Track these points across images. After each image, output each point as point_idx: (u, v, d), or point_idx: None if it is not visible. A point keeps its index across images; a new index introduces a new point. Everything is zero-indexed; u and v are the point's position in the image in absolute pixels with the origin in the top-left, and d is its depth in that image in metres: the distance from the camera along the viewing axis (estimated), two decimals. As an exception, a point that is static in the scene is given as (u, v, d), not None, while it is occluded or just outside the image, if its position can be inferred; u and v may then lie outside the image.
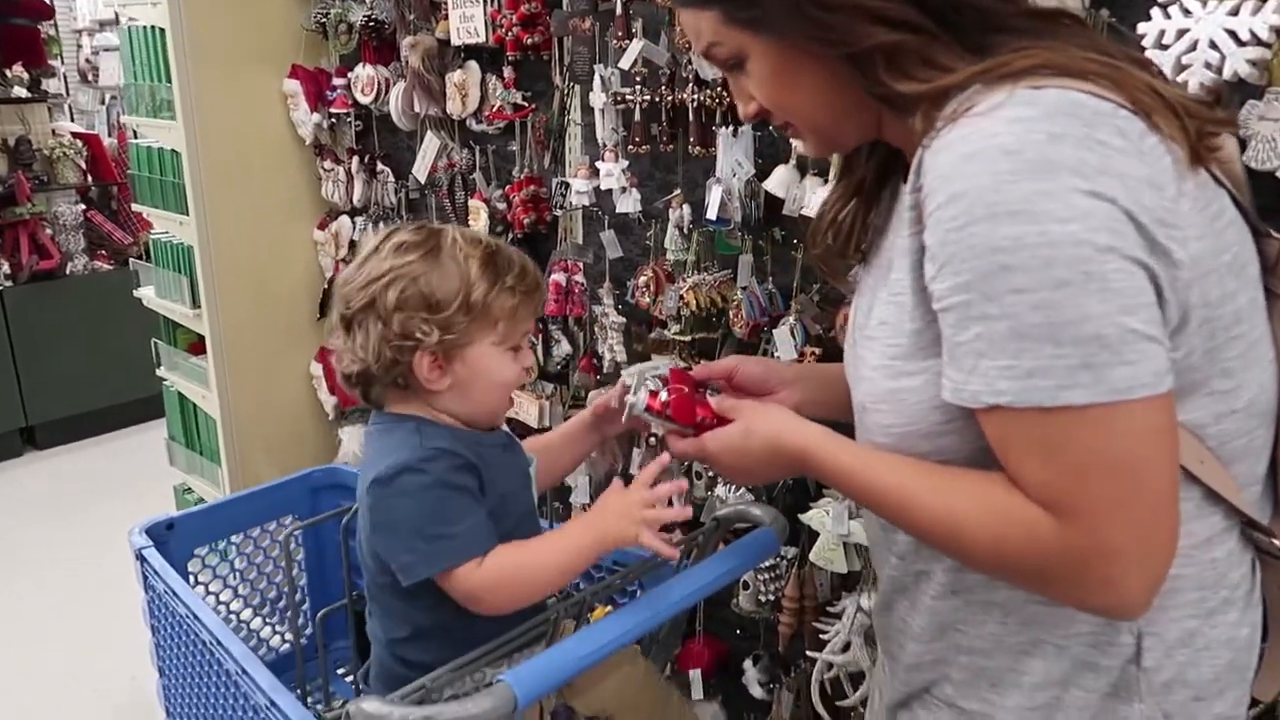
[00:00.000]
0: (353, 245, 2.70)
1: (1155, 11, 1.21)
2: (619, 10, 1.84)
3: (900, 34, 0.78)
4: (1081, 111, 0.70)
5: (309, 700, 1.67)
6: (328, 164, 2.71)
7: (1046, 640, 0.83)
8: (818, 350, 1.66)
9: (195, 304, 2.68)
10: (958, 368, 0.74)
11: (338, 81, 2.59)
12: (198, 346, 2.82)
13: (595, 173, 1.97)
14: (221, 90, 2.56)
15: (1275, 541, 0.85)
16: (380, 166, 2.60)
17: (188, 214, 2.59)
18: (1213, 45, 1.17)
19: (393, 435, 1.09)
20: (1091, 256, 0.67)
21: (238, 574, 1.73)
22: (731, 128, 1.74)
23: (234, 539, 1.70)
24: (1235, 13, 1.18)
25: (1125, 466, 0.70)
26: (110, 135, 5.00)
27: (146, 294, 2.98)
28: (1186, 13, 1.20)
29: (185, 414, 3.00)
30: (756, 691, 1.93)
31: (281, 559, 1.66)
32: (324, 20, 2.59)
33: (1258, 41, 1.16)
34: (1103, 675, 0.82)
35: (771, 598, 1.80)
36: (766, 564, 1.78)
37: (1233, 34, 1.17)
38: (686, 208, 1.84)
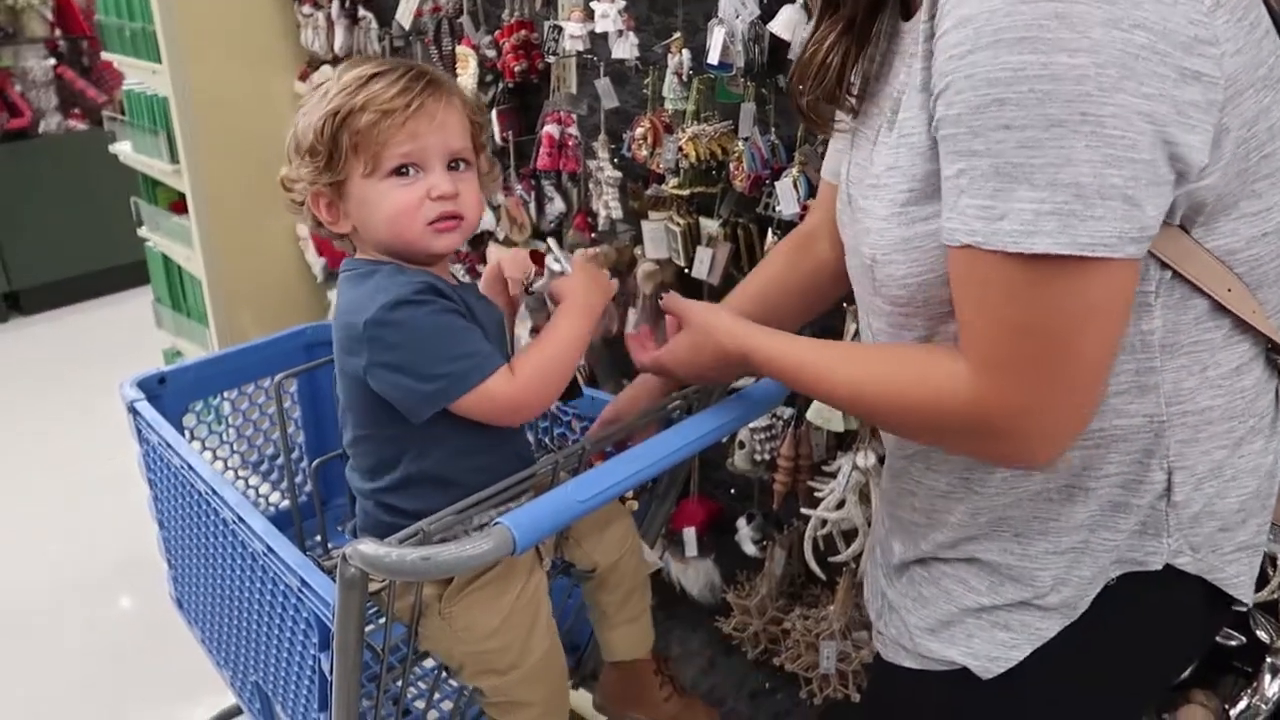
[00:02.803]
0: (336, 98, 2.58)
1: None
2: None
3: None
4: None
5: (308, 555, 1.68)
6: (306, 9, 2.57)
7: (1074, 485, 0.82)
8: (822, 203, 1.60)
9: (174, 159, 2.58)
10: (945, 204, 0.71)
11: (314, -81, 2.43)
12: (179, 205, 2.74)
13: (590, 15, 1.86)
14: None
15: None
16: (362, 11, 2.46)
17: (160, 62, 2.46)
18: None
19: (371, 278, 1.05)
20: (1091, 95, 0.62)
21: (234, 429, 1.72)
22: (736, -36, 1.63)
23: (228, 394, 1.68)
24: None
25: (1060, 331, 0.68)
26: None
27: (123, 150, 2.87)
28: None
29: (170, 276, 2.95)
30: (749, 549, 1.96)
31: (276, 414, 1.64)
32: None
33: None
34: (1132, 514, 0.82)
35: (767, 457, 1.80)
36: (762, 424, 1.77)
37: None
38: (686, 53, 1.74)
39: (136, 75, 2.68)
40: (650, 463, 1.04)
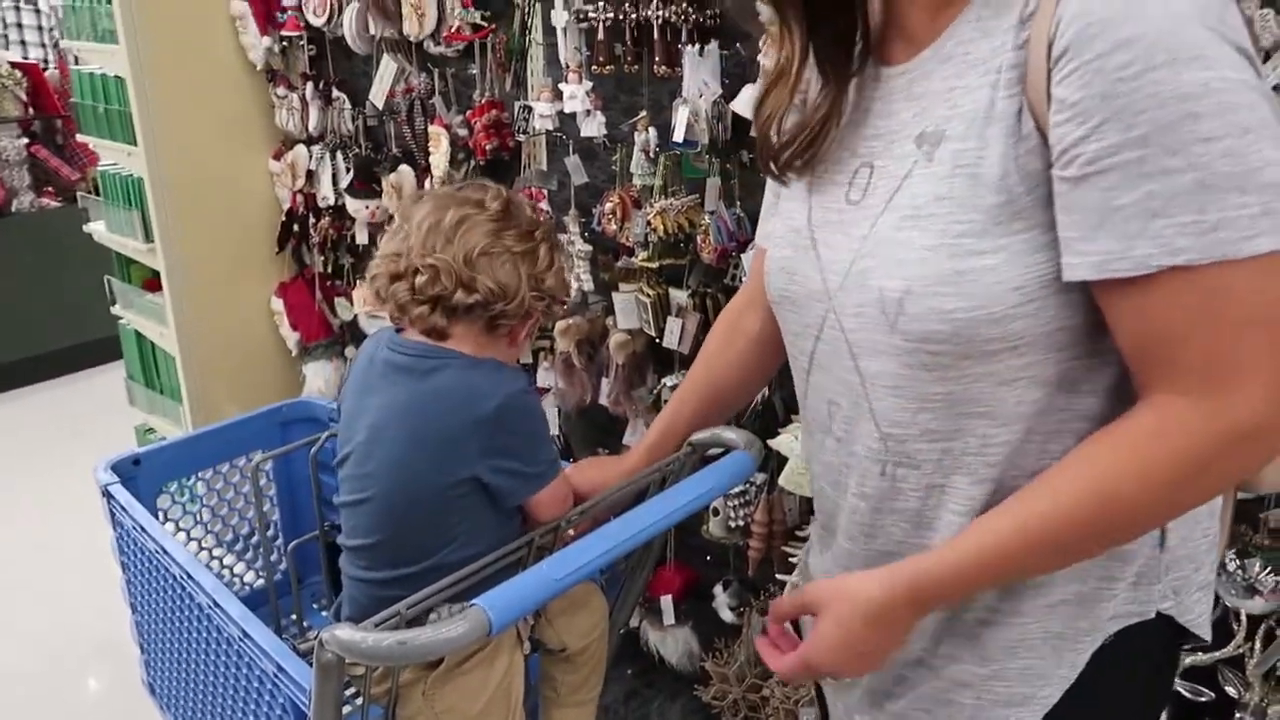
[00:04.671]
0: (310, 175, 2.63)
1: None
2: (580, -77, 1.78)
3: None
4: None
5: (284, 636, 1.67)
6: (281, 90, 2.63)
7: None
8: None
9: (148, 238, 2.60)
10: (1115, 234, 0.68)
11: (288, 2, 2.49)
12: (153, 283, 2.75)
13: (559, 95, 1.92)
14: (165, 12, 2.45)
15: None
16: (336, 92, 2.52)
17: (136, 144, 2.50)
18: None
19: (479, 369, 1.14)
20: (1260, 104, 0.66)
21: (208, 509, 1.71)
22: (698, 47, 1.70)
23: (203, 474, 1.68)
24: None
25: (1278, 313, 0.68)
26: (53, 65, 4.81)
27: (97, 229, 2.89)
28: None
29: (143, 353, 2.94)
30: (727, 616, 1.96)
31: (252, 494, 1.64)
32: (271, -63, 2.48)
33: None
34: (1130, 564, 0.82)
35: (741, 523, 1.82)
36: (736, 490, 1.79)
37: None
38: (653, 130, 1.80)
39: (111, 156, 2.71)
40: (626, 539, 1.05)
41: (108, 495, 1.47)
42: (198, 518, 1.70)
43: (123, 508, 1.43)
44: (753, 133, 1.55)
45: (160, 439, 2.87)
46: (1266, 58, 1.16)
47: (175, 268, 2.59)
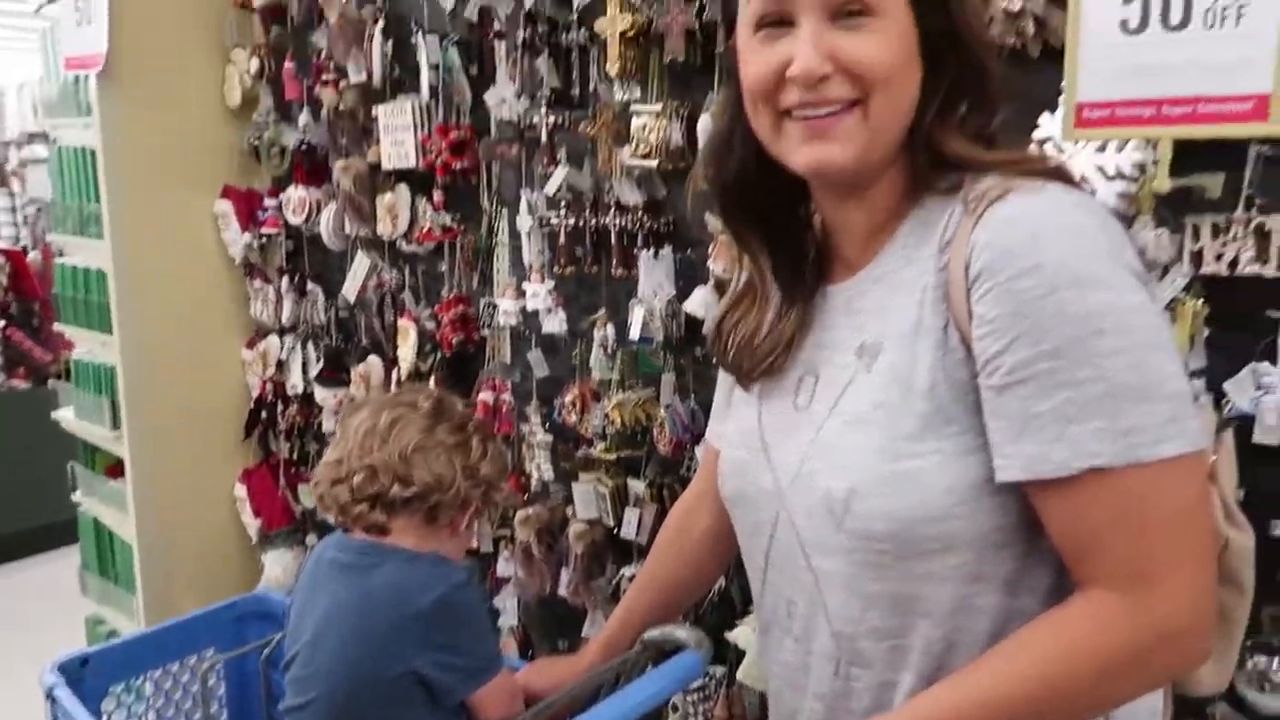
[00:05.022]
0: (280, 364, 2.69)
1: (1032, 148, 1.32)
2: (544, 138, 1.93)
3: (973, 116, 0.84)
4: (1102, 210, 0.79)
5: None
6: (257, 283, 2.73)
7: None
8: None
9: (115, 426, 2.63)
10: (1036, 438, 0.74)
11: (269, 202, 2.63)
12: (116, 470, 2.75)
13: (522, 293, 2.02)
14: (151, 210, 2.57)
15: None
16: (310, 285, 2.62)
17: (111, 333, 2.56)
18: (1083, 180, 1.27)
19: (419, 563, 1.17)
20: (1157, 324, 0.74)
21: (154, 712, 1.66)
22: (653, 250, 1.81)
23: (153, 673, 1.64)
24: (1102, 149, 1.29)
25: (1194, 515, 0.74)
26: (35, 247, 4.95)
27: (65, 416, 2.91)
28: (1060, 150, 1.30)
29: (100, 541, 2.90)
30: (691, 814, 1.89)
31: (200, 694, 1.60)
32: (258, 143, 2.64)
33: (1124, 176, 1.26)
34: None
35: (701, 718, 1.79)
36: (695, 684, 1.76)
37: (1101, 169, 1.28)
38: (610, 327, 1.89)
39: (86, 344, 2.77)
40: (579, 742, 1.05)
41: (51, 699, 1.43)
42: (142, 720, 1.65)
43: (67, 712, 1.39)
44: (704, 330, 1.65)
45: (110, 632, 2.80)
46: (1164, 273, 1.27)
47: (140, 455, 2.60)
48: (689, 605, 1.40)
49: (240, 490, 2.79)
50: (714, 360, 1.69)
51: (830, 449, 0.85)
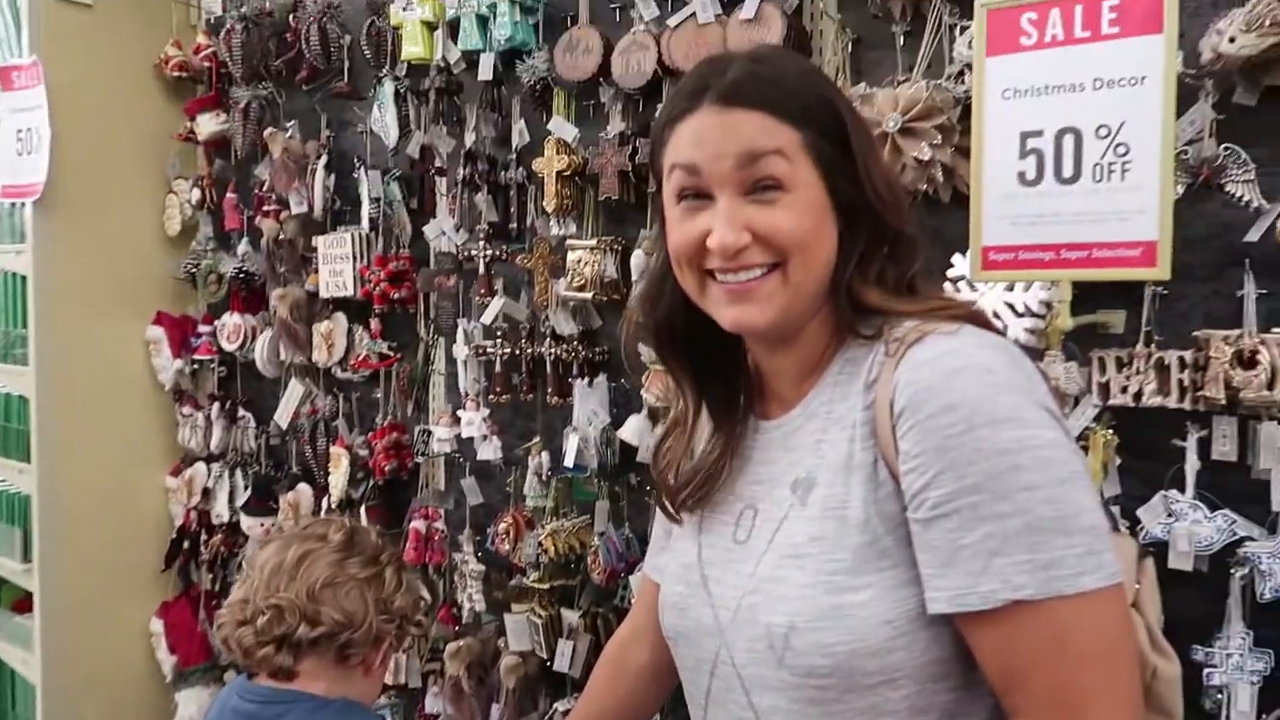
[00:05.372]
0: (206, 492, 2.62)
1: (949, 289, 1.39)
2: (481, 269, 1.97)
3: (890, 267, 0.87)
4: (1014, 349, 0.82)
5: None
6: (187, 409, 2.68)
7: None
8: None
9: (26, 558, 2.51)
10: (963, 571, 0.75)
11: (203, 328, 2.62)
12: (24, 604, 2.62)
13: (457, 420, 2.02)
14: (80, 336, 2.54)
15: None
16: (241, 412, 2.58)
17: (30, 461, 2.48)
18: (995, 315, 1.34)
19: (325, 711, 1.11)
20: (1071, 459, 0.76)
21: None
22: (587, 379, 1.84)
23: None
24: (1010, 288, 1.37)
25: (1117, 647, 0.75)
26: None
27: (-28, 547, 2.78)
28: (972, 288, 1.38)
29: (1, 680, 2.73)
30: None
31: None
32: (194, 270, 2.64)
33: (1031, 313, 1.34)
34: None
35: None
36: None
37: (1011, 307, 1.35)
38: (545, 455, 1.90)
39: (2, 472, 2.67)
40: None
41: None
42: None
43: None
44: (640, 458, 1.66)
45: (5, 781, 2.61)
46: (1075, 404, 1.33)
47: (51, 588, 2.49)
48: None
49: (157, 625, 2.66)
50: (651, 491, 1.72)
51: (769, 582, 0.86)
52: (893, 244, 0.89)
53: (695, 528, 0.97)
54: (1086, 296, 1.32)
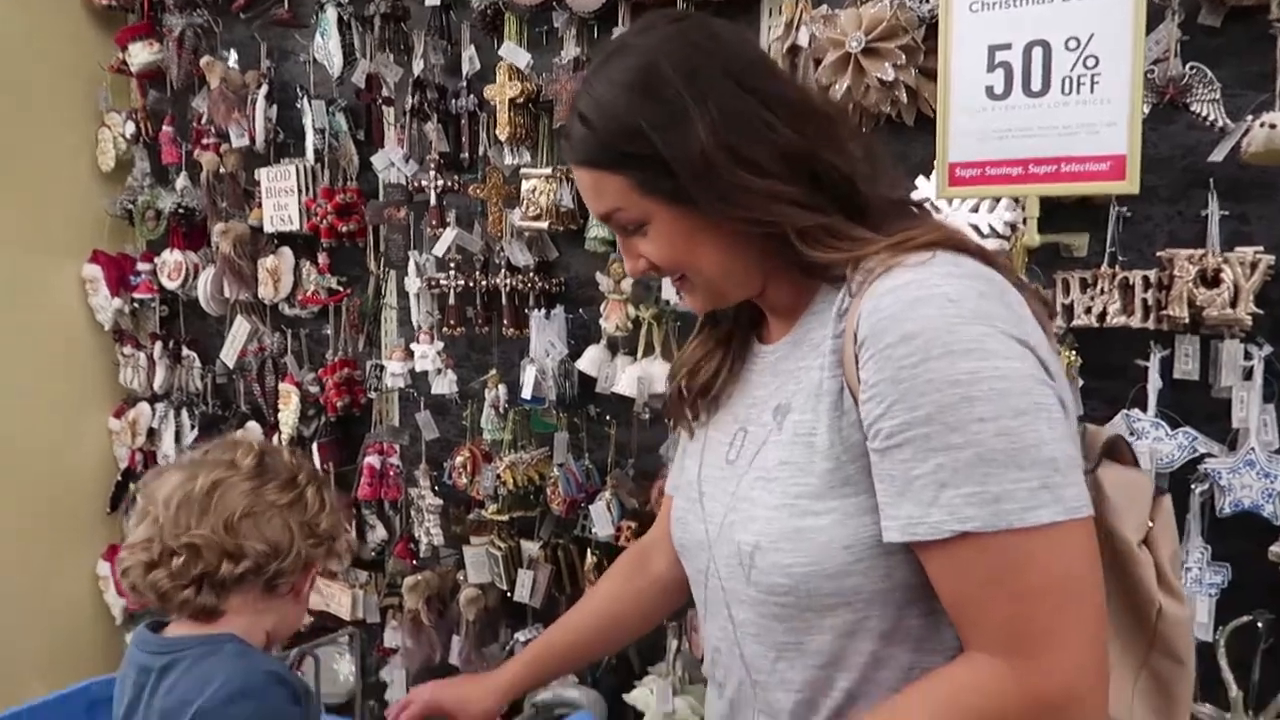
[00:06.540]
0: (151, 433, 2.55)
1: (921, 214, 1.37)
2: (433, 201, 1.91)
3: (816, 217, 0.84)
4: (992, 277, 0.79)
5: None
6: (128, 349, 2.59)
7: None
8: (634, 524, 1.67)
9: (-35, 500, 2.44)
10: (914, 501, 0.75)
11: (143, 266, 2.52)
12: (-36, 550, 2.54)
13: (410, 354, 1.98)
14: (11, 276, 2.44)
15: None
16: (185, 351, 2.51)
17: (-35, 404, 2.39)
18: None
19: (214, 657, 1.01)
20: (1035, 389, 0.74)
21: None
22: (544, 310, 1.80)
23: (-9, 771, 1.49)
24: (975, 209, 1.35)
25: (1076, 585, 0.74)
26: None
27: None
28: (936, 210, 1.36)
29: (-57, 628, 2.66)
30: None
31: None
32: (131, 207, 2.54)
33: (996, 234, 1.33)
34: None
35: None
36: (593, 750, 1.71)
37: (975, 228, 1.34)
38: (502, 387, 1.86)
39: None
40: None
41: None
42: (-18, 823, 1.50)
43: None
44: (598, 389, 1.63)
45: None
46: (1036, 325, 1.33)
47: (-8, 533, 2.42)
48: (621, 646, 1.34)
49: (104, 568, 2.60)
50: (610, 421, 1.69)
51: (744, 503, 0.88)
52: (811, 196, 0.84)
53: (700, 445, 0.99)
54: (1050, 218, 1.31)
